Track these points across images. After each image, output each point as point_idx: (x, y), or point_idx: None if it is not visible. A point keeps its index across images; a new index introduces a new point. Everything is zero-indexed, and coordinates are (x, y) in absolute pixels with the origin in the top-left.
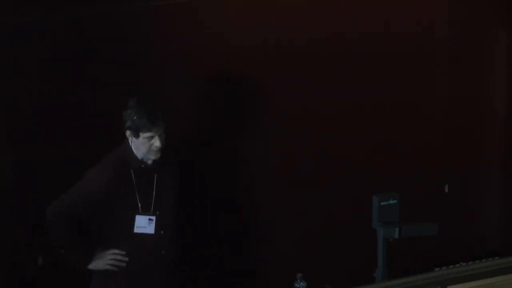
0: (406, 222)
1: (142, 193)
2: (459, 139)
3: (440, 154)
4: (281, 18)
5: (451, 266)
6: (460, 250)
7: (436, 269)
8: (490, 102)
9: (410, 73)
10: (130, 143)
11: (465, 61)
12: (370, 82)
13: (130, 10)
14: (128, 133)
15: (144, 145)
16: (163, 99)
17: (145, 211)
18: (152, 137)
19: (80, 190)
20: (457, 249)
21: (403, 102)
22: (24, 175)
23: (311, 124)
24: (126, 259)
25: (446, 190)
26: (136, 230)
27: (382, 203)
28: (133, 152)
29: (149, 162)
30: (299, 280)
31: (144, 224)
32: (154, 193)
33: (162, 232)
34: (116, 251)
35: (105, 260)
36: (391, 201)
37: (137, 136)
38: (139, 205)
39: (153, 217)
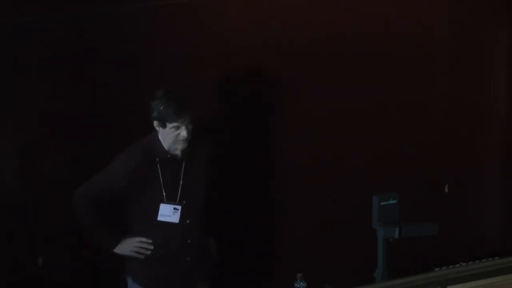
0: (406, 222)
1: (168, 182)
2: (459, 139)
3: (440, 154)
4: (281, 18)
5: (451, 266)
6: (460, 250)
7: (436, 269)
8: (490, 102)
9: (410, 73)
10: (158, 134)
11: (465, 61)
12: (370, 82)
13: (134, 9)
14: (155, 123)
15: (170, 135)
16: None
17: (170, 200)
18: (178, 127)
19: (106, 175)
20: (457, 249)
21: (403, 102)
22: (25, 175)
23: (311, 124)
24: (152, 247)
25: (446, 190)
26: (159, 218)
27: (382, 203)
28: (160, 142)
29: (176, 152)
30: (299, 280)
31: (168, 213)
32: (181, 182)
33: (187, 221)
34: (143, 239)
35: (131, 247)
36: (391, 201)
37: (164, 126)
38: (164, 193)
39: (179, 207)
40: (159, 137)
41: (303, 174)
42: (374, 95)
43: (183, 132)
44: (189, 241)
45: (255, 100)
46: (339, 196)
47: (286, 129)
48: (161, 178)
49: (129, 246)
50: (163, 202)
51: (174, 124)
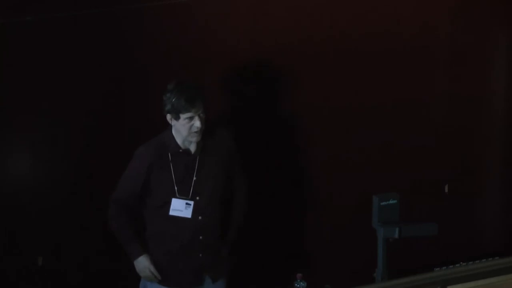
0: (406, 222)
1: (180, 177)
2: (459, 139)
3: (440, 154)
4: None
5: (451, 266)
6: (460, 250)
7: (436, 269)
8: (491, 102)
9: (410, 73)
10: (172, 128)
11: (466, 61)
12: (370, 82)
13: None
14: (169, 116)
15: (184, 127)
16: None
17: (182, 195)
18: (192, 118)
19: (129, 175)
20: (457, 249)
21: (403, 102)
22: (24, 175)
23: (310, 123)
24: (159, 278)
25: (446, 190)
26: (171, 213)
27: (382, 203)
28: (172, 136)
29: (191, 146)
30: (299, 280)
31: (180, 208)
32: (194, 178)
33: (200, 218)
34: (153, 269)
35: (143, 268)
36: (391, 201)
37: (177, 118)
38: (176, 188)
39: (191, 202)
40: (173, 131)
41: (303, 174)
42: (374, 95)
43: (197, 123)
44: (201, 237)
45: (256, 100)
46: (339, 196)
47: (286, 129)
48: (172, 173)
49: (141, 266)
50: (175, 197)
51: (188, 114)
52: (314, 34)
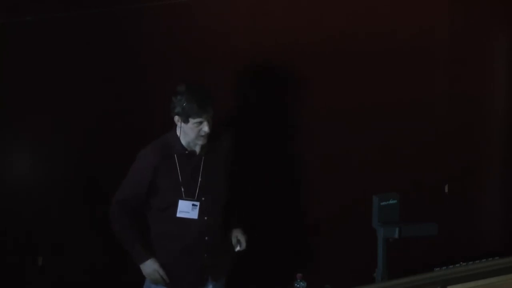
0: (406, 222)
1: (186, 178)
2: (459, 139)
3: (441, 154)
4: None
5: (451, 266)
6: (460, 250)
7: (436, 269)
8: (491, 102)
9: (410, 73)
10: (178, 129)
11: (466, 61)
12: (370, 82)
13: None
14: (176, 118)
15: (193, 131)
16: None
17: (188, 197)
18: (201, 122)
19: (131, 178)
20: (457, 249)
21: (403, 102)
22: (24, 175)
23: (310, 124)
24: (167, 281)
25: (446, 190)
26: (178, 215)
27: (382, 203)
28: (178, 138)
29: (196, 148)
30: (299, 280)
31: (187, 209)
32: (200, 179)
33: (205, 218)
34: (162, 272)
35: (152, 271)
36: (391, 201)
37: (186, 121)
38: (182, 189)
39: (197, 203)
40: (178, 132)
41: (303, 174)
42: (374, 95)
43: (205, 128)
44: (206, 238)
45: (256, 100)
46: (339, 196)
47: (286, 129)
48: (179, 174)
49: (149, 269)
50: (182, 199)
51: (198, 119)
52: (315, 34)
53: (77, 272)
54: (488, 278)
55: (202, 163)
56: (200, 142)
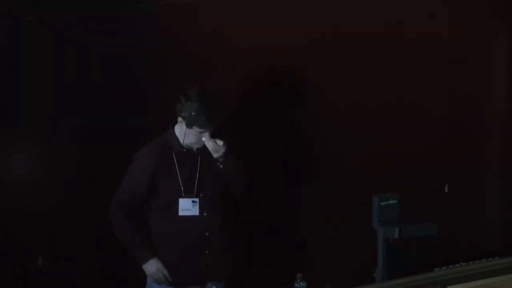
0: (406, 222)
1: (185, 176)
2: (459, 139)
3: (440, 154)
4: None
5: (451, 266)
6: (460, 250)
7: (436, 269)
8: (491, 102)
9: (410, 73)
10: (178, 127)
11: (466, 61)
12: (370, 82)
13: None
14: (180, 119)
15: (194, 136)
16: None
17: (188, 194)
18: (203, 132)
19: (130, 178)
20: (457, 249)
21: (403, 102)
22: (24, 175)
23: (310, 124)
24: (170, 280)
25: (446, 190)
26: (181, 213)
27: (382, 203)
28: (177, 137)
29: (192, 146)
30: (299, 280)
31: (188, 207)
32: (197, 176)
33: (205, 214)
34: (165, 271)
35: (155, 270)
36: (391, 201)
37: (189, 127)
38: (182, 188)
39: (197, 199)
40: (177, 131)
41: (303, 174)
42: (374, 95)
43: (207, 135)
44: (207, 234)
45: (256, 100)
46: (339, 196)
47: (286, 128)
48: (178, 173)
49: (152, 269)
50: (182, 197)
51: (202, 129)
52: (315, 35)
53: (77, 272)
54: (488, 278)
55: (199, 159)
56: (199, 146)
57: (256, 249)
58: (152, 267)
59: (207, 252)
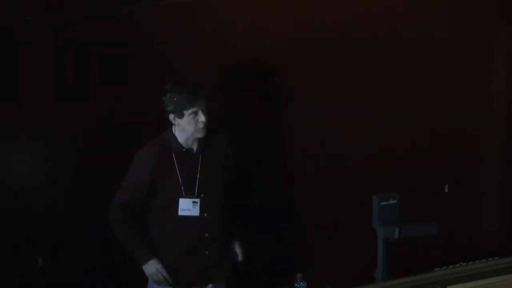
0: (406, 222)
1: (185, 176)
2: (459, 139)
3: (440, 154)
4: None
5: (451, 266)
6: (460, 250)
7: (436, 269)
8: (491, 102)
9: (410, 73)
10: (174, 128)
11: (466, 61)
12: (370, 82)
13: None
14: (171, 116)
15: (190, 123)
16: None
17: (188, 194)
18: (196, 113)
19: (130, 179)
20: (457, 249)
21: (403, 102)
22: (24, 174)
23: (310, 124)
24: (170, 281)
25: (446, 190)
26: (180, 213)
27: (382, 203)
28: (175, 137)
29: (193, 145)
30: (299, 280)
31: (188, 207)
32: (198, 176)
33: (205, 214)
34: (164, 272)
35: (154, 271)
36: (391, 201)
37: (181, 116)
38: (182, 188)
39: (197, 200)
40: (175, 131)
41: (303, 174)
42: (374, 95)
43: (202, 117)
44: (207, 235)
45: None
46: (339, 196)
47: (286, 128)
48: (178, 173)
49: (152, 269)
50: (182, 197)
51: (192, 109)
52: (315, 35)
53: (77, 272)
54: (488, 278)
55: (199, 160)
56: (200, 134)
57: (256, 249)
58: (151, 267)
59: (207, 252)
